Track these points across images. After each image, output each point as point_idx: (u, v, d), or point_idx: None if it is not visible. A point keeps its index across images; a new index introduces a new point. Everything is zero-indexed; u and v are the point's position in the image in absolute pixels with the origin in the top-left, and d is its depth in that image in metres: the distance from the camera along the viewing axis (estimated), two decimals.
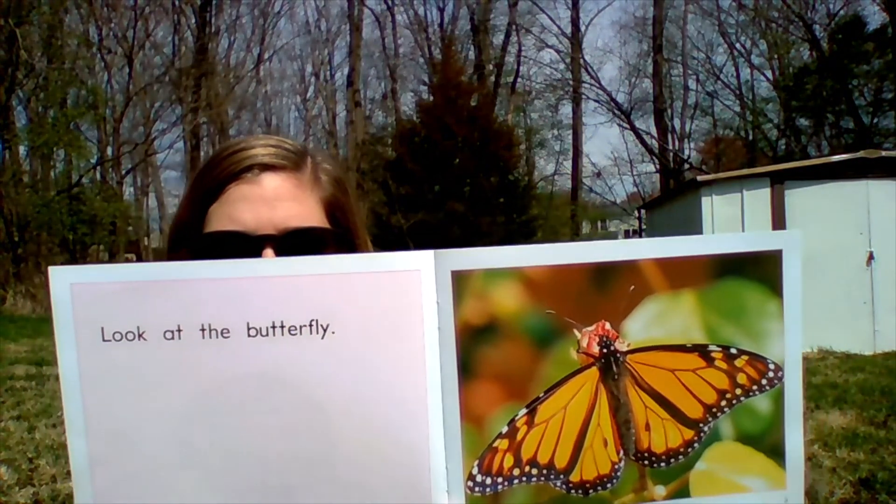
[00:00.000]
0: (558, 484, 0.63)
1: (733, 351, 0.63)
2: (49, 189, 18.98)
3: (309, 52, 31.29)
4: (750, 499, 0.64)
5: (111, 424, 0.59)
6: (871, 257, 8.68)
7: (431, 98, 21.81)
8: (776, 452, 0.64)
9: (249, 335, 0.59)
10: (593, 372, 0.62)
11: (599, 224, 33.61)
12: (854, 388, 6.41)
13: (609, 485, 0.63)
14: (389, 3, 29.44)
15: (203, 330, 0.59)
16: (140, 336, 0.59)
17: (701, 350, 0.63)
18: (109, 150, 21.09)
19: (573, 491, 0.63)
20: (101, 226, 18.48)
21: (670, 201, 12.59)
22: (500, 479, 0.62)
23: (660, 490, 0.63)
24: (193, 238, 0.83)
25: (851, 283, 8.52)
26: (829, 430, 5.05)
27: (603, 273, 0.61)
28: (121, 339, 0.59)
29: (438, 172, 19.16)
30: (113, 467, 0.59)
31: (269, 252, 0.78)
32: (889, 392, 6.19)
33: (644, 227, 17.73)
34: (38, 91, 18.76)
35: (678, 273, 0.62)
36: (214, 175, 0.84)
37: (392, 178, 20.07)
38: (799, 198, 8.91)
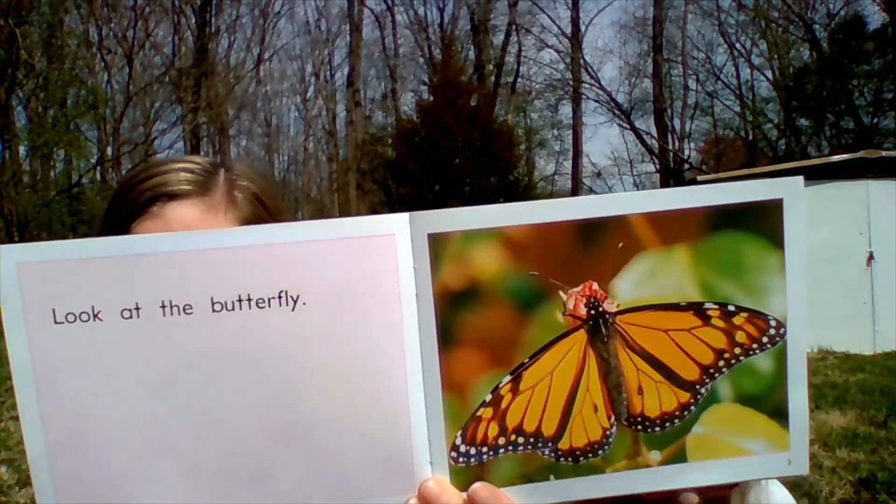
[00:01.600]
0: (546, 452, 0.59)
1: (731, 308, 0.59)
2: (49, 189, 18.99)
3: (309, 52, 31.32)
4: (751, 462, 0.61)
5: (69, 413, 0.55)
6: (871, 257, 8.68)
7: (431, 98, 21.82)
8: (779, 413, 0.60)
9: (214, 310, 0.55)
10: (581, 335, 0.59)
11: None
12: (854, 388, 6.41)
13: (601, 451, 0.60)
14: (389, 3, 29.47)
15: (163, 307, 0.55)
16: (95, 316, 0.55)
17: (696, 308, 0.59)
18: (109, 150, 21.09)
19: (562, 459, 0.59)
20: (113, 236, 18.40)
21: None
22: (484, 449, 0.59)
23: (655, 455, 0.60)
24: None
25: (851, 283, 8.52)
26: (829, 430, 5.05)
27: (589, 230, 0.57)
28: (74, 321, 0.55)
29: (438, 172, 19.16)
30: (73, 456, 0.55)
31: None
32: (889, 392, 6.19)
33: None
34: (38, 91, 18.77)
35: (670, 227, 0.58)
36: (120, 211, 0.81)
37: (392, 178, 20.08)
38: None
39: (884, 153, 9.14)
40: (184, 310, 0.55)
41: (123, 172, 21.21)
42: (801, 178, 0.59)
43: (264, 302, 0.56)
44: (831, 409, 5.65)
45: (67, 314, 0.55)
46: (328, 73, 30.99)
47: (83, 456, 0.56)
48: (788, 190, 0.59)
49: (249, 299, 0.56)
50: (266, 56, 29.50)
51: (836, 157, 9.49)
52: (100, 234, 0.82)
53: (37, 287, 0.55)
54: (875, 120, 21.86)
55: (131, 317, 0.55)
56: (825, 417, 5.39)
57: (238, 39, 28.62)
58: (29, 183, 19.11)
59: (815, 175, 9.07)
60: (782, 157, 22.05)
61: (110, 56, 22.34)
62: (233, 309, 0.56)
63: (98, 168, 20.53)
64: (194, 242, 0.56)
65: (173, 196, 0.80)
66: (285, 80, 31.56)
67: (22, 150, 19.01)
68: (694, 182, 10.01)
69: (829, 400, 5.92)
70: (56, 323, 0.55)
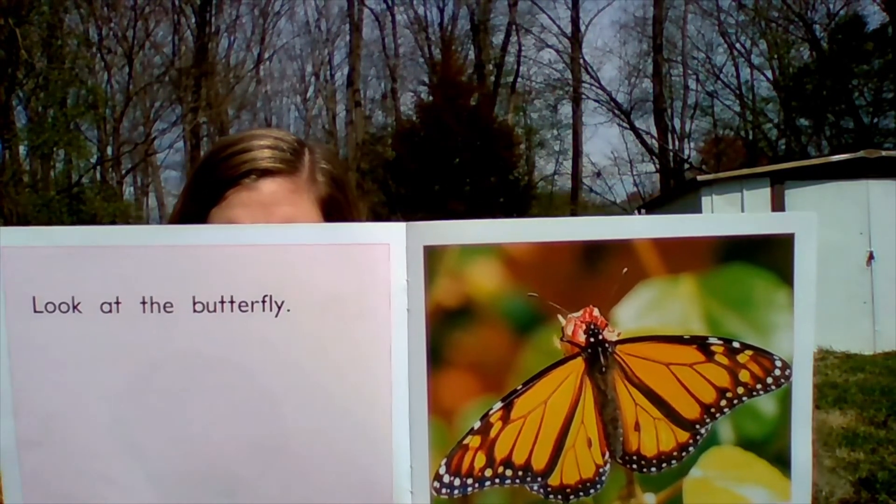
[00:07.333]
0: (535, 487, 0.56)
1: (736, 345, 0.56)
2: (49, 189, 18.98)
3: (309, 52, 31.29)
4: None
5: (42, 404, 0.54)
6: (871, 257, 8.68)
7: (431, 98, 21.81)
8: (781, 460, 0.57)
9: (195, 310, 0.54)
10: (578, 363, 0.56)
11: None
12: (854, 388, 6.41)
13: (592, 490, 0.57)
14: (389, 3, 29.44)
15: (144, 303, 0.53)
16: (75, 308, 0.53)
17: (700, 342, 0.56)
18: (109, 150, 21.09)
19: (552, 496, 0.56)
20: (101, 225, 18.46)
21: (670, 201, 12.58)
22: (469, 481, 0.56)
23: (649, 498, 0.57)
24: None
25: (851, 283, 8.51)
26: (829, 430, 5.05)
27: (593, 253, 0.55)
28: (54, 311, 0.53)
29: (438, 172, 19.14)
30: (43, 451, 0.54)
31: None
32: (889, 392, 6.19)
33: None
34: (38, 91, 18.76)
35: (677, 255, 0.55)
36: (214, 177, 0.85)
37: (392, 178, 20.07)
38: (799, 198, 8.90)
39: (884, 153, 9.14)
40: (164, 307, 0.53)
41: (123, 172, 21.24)
42: (814, 214, 0.57)
43: (247, 305, 0.54)
44: (831, 409, 5.65)
45: (47, 303, 0.53)
46: (328, 73, 30.95)
47: (52, 452, 0.54)
48: (801, 225, 0.56)
49: (232, 301, 0.54)
50: (266, 56, 29.47)
51: (836, 157, 9.49)
52: (188, 198, 0.87)
53: (18, 273, 0.53)
54: (875, 120, 21.84)
55: (111, 311, 0.53)
56: (825, 417, 5.39)
57: (238, 39, 28.59)
58: (29, 183, 19.11)
59: (815, 175, 9.07)
60: (782, 157, 22.03)
61: (110, 56, 22.33)
62: (214, 310, 0.54)
63: (98, 168, 20.53)
64: (180, 237, 0.54)
65: (266, 172, 0.85)
66: (285, 80, 31.51)
67: (22, 149, 19.02)
68: (694, 182, 10.02)
69: (829, 400, 5.91)
70: (35, 312, 0.53)
